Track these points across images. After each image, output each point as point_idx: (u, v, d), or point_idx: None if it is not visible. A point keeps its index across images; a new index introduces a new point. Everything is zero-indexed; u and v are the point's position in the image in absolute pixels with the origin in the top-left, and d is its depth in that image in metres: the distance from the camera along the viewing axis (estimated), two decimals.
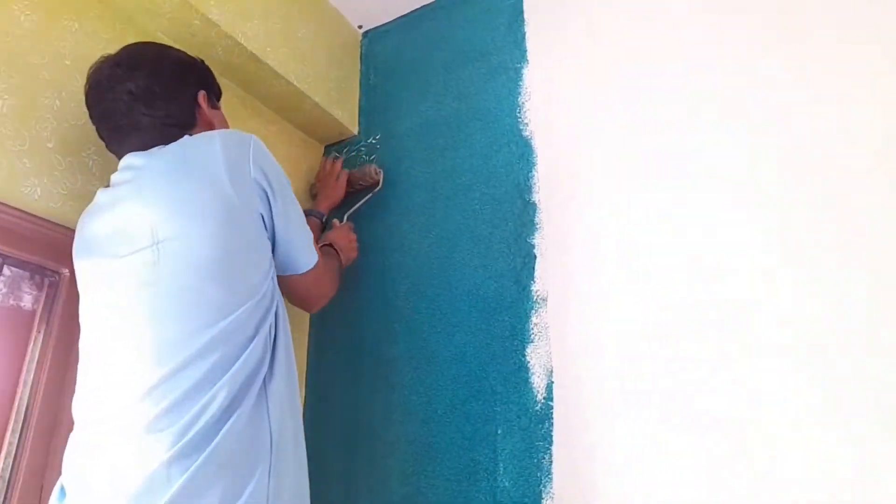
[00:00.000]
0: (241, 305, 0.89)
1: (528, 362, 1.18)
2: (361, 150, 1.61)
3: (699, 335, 1.04)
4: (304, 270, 1.06)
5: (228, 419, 0.83)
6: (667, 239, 1.12)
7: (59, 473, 0.87)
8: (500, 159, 1.36)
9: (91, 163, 1.12)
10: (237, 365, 0.86)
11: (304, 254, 1.05)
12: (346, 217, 1.52)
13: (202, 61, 1.14)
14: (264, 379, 0.90)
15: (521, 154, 1.33)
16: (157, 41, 1.23)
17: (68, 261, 0.99)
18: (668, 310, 1.07)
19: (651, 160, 1.18)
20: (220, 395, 0.83)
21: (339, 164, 1.58)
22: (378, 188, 1.53)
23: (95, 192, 1.02)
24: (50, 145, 1.06)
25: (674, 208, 1.13)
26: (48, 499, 0.86)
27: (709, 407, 1.00)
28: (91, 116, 1.03)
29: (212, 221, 0.89)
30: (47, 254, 1.04)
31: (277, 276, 1.02)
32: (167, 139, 0.98)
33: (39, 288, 1.05)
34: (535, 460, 1.11)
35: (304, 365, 1.47)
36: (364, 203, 1.53)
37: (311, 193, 1.59)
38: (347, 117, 1.62)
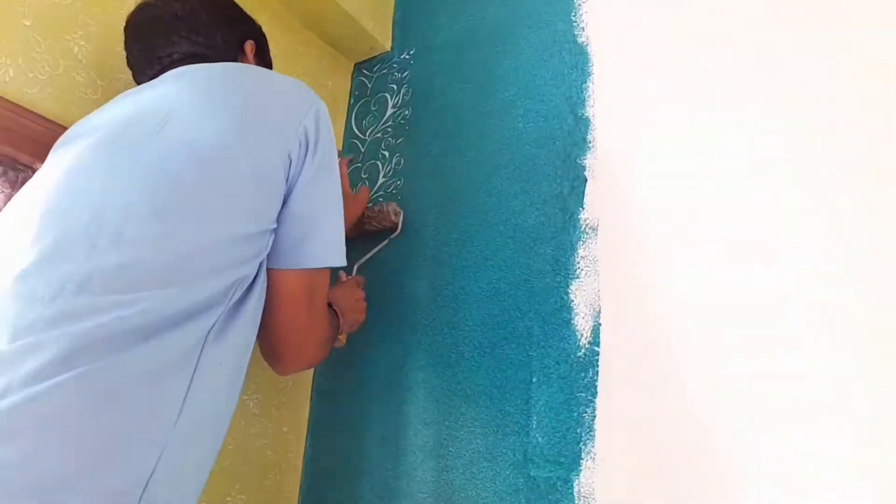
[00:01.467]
0: (227, 224, 0.71)
1: (572, 301, 1.00)
2: (394, 68, 1.44)
3: (772, 268, 0.84)
4: (313, 266, 0.79)
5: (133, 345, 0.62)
6: (742, 163, 0.91)
7: None
8: (550, 70, 1.16)
9: (77, 48, 0.97)
10: (173, 291, 0.65)
11: (323, 242, 0.80)
12: (355, 268, 1.23)
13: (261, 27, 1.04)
14: (207, 334, 0.67)
15: (575, 63, 1.13)
16: None
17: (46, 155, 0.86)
18: (739, 242, 0.88)
19: (724, 73, 0.97)
20: (132, 306, 0.62)
21: (344, 163, 1.25)
22: (396, 234, 1.24)
23: (78, 82, 0.88)
24: (27, 23, 0.92)
25: (754, 133, 0.92)
26: None
27: (780, 358, 0.81)
28: (126, 39, 0.92)
29: (231, 112, 0.76)
30: (20, 145, 0.90)
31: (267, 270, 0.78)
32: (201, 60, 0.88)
33: (13, 185, 0.92)
34: (576, 414, 0.94)
35: None
36: (377, 252, 1.25)
37: None
38: (380, 30, 1.45)
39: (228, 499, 1.07)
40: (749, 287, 0.86)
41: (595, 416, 0.92)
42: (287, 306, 0.79)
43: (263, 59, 1.02)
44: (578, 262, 1.01)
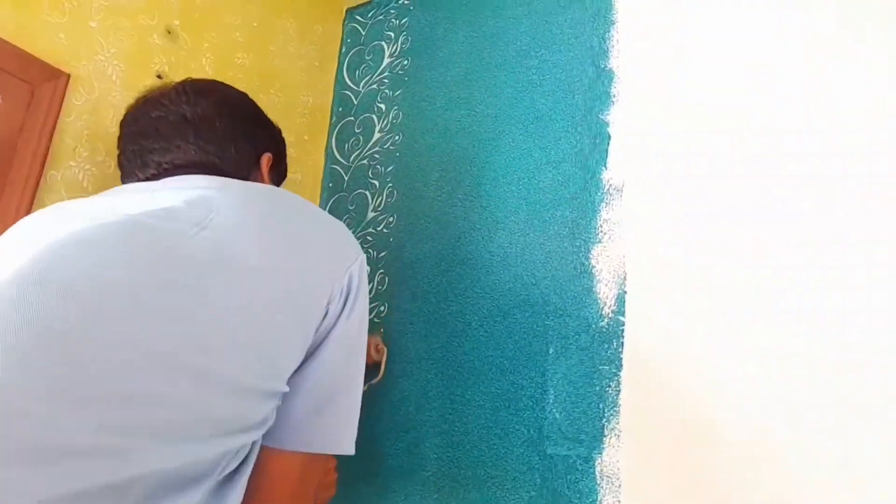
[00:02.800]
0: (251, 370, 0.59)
1: (593, 267, 0.93)
2: (391, 14, 1.32)
3: (810, 242, 0.78)
4: (318, 451, 0.68)
5: None
6: (784, 119, 0.84)
7: None
8: (569, 17, 1.07)
9: None
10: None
11: (336, 424, 0.69)
12: None
13: (280, 132, 0.91)
14: None
15: (598, 9, 1.04)
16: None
17: None
18: (778, 203, 0.81)
19: (762, 21, 0.89)
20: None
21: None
22: (377, 379, 1.04)
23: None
24: None
25: (796, 88, 0.85)
26: None
27: (818, 328, 0.75)
28: (121, 136, 0.80)
29: (279, 239, 0.65)
30: None
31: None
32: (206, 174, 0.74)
33: None
34: (598, 388, 0.87)
35: None
36: None
37: None
38: None
39: None
40: (789, 248, 0.80)
41: (620, 391, 0.86)
42: (271, 490, 0.65)
43: (279, 171, 0.90)
44: (601, 226, 0.94)
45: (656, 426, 0.82)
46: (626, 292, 0.89)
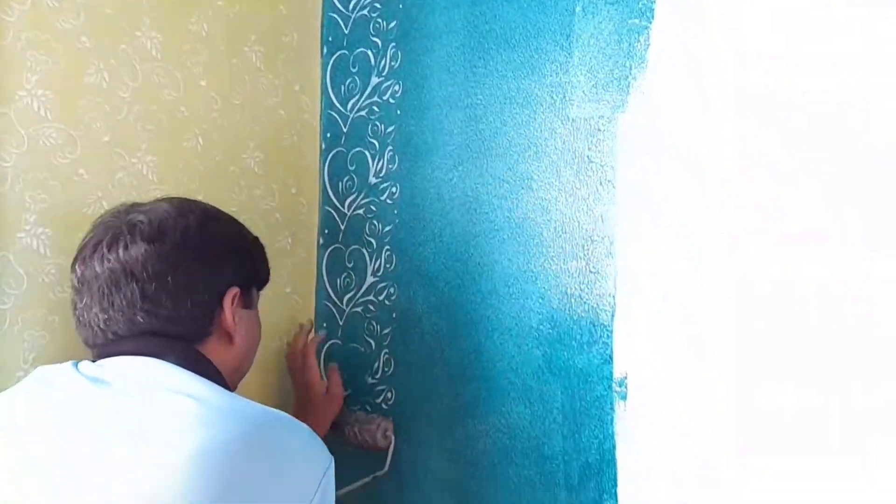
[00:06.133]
0: None
1: None
2: None
3: None
4: None
5: None
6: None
7: None
8: None
9: None
10: None
11: None
12: None
13: (256, 240, 0.81)
14: None
15: None
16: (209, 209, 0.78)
17: None
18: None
19: None
20: None
21: (312, 343, 1.03)
22: (383, 472, 0.97)
23: None
24: None
25: None
26: None
27: None
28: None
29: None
30: None
31: None
32: (162, 352, 0.67)
33: None
34: (626, 45, 0.82)
35: None
36: (359, 487, 0.98)
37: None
38: None
39: (244, 156, 1.01)
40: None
41: (648, 45, 0.80)
42: None
43: (255, 284, 0.80)
44: None
45: (685, 82, 0.78)
46: None
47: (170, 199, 0.76)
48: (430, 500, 0.97)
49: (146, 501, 0.55)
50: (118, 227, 0.70)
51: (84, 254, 0.70)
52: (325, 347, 1.09)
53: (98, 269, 0.68)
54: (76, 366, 0.67)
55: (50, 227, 0.82)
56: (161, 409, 0.62)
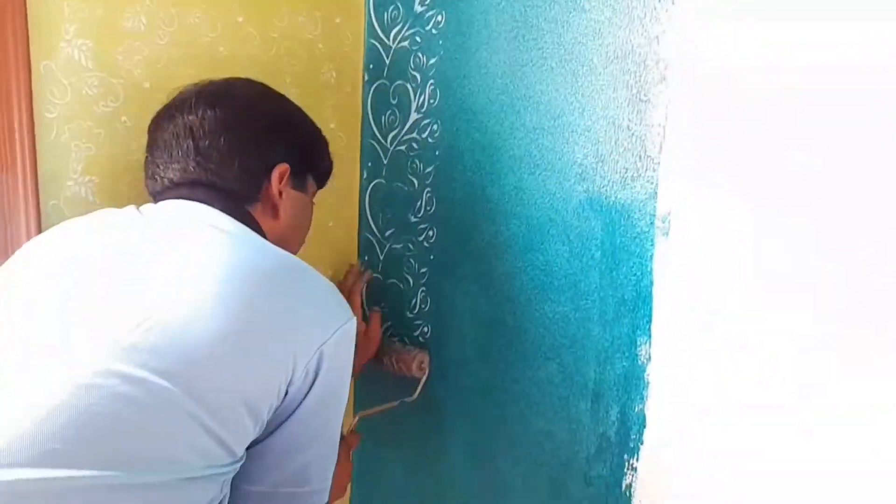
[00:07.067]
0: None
1: None
2: None
3: None
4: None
5: None
6: None
7: None
8: None
9: None
10: None
11: (310, 475, 0.74)
12: (356, 419, 1.02)
13: (318, 131, 0.87)
14: None
15: None
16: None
17: None
18: None
19: None
20: None
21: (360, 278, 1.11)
22: (412, 398, 1.02)
23: None
24: None
25: None
26: None
27: None
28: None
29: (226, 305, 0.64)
30: None
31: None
32: (211, 200, 0.74)
33: None
34: None
35: None
36: (386, 409, 1.03)
37: None
38: None
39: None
40: None
41: None
42: None
43: (311, 173, 0.86)
44: None
45: None
46: None
47: (241, 77, 0.83)
48: (454, 427, 1.03)
49: (171, 315, 0.62)
50: (189, 94, 0.78)
51: (158, 118, 0.79)
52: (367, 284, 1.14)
53: (165, 127, 0.77)
54: (137, 208, 0.75)
55: (97, 175, 0.86)
56: (199, 238, 0.69)
